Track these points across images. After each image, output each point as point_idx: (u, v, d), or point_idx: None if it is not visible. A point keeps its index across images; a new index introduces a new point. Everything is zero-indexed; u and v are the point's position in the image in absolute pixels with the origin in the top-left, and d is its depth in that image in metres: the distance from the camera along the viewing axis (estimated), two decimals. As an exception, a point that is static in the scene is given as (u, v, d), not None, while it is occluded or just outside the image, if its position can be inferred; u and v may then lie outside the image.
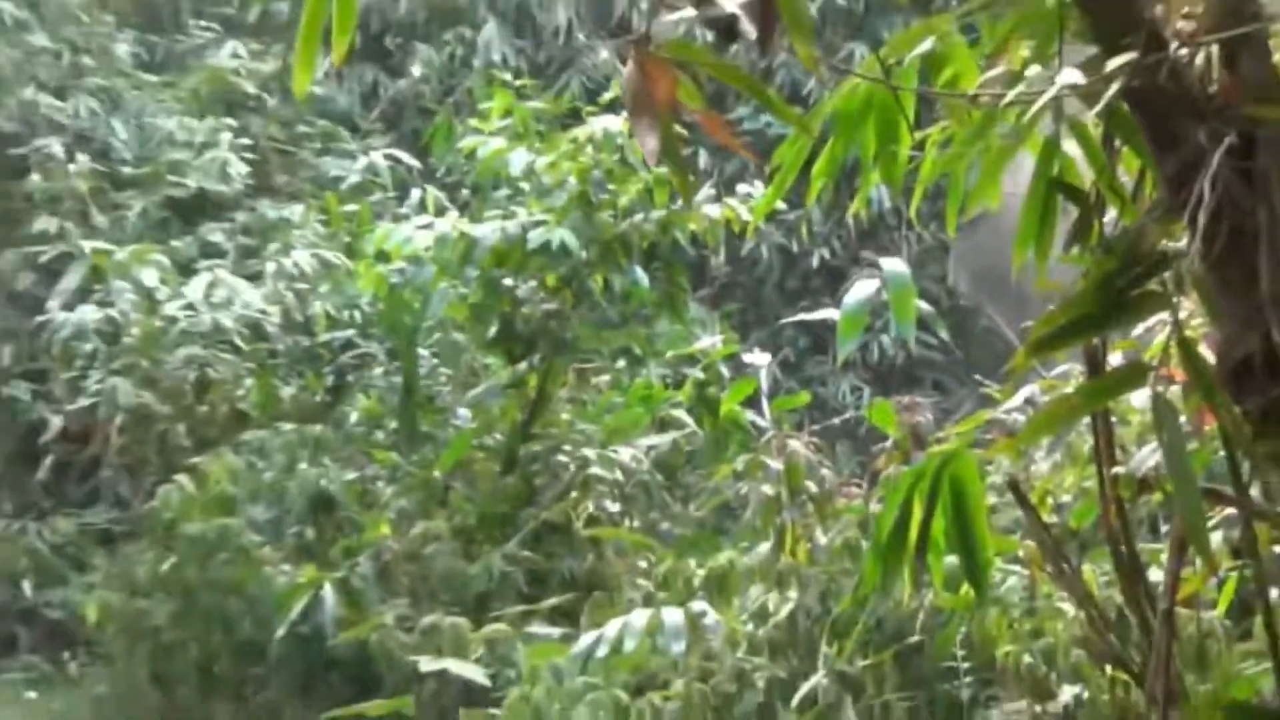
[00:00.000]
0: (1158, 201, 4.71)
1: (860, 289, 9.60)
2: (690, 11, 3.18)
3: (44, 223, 18.21)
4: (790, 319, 15.92)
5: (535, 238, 13.61)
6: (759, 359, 13.31)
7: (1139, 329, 5.21)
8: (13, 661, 16.02)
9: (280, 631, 12.66)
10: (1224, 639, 6.04)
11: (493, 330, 14.13)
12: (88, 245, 17.12)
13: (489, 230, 13.94)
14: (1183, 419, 5.14)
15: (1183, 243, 4.61)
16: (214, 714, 13.21)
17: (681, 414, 13.66)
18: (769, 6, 3.12)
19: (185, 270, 16.55)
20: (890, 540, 5.97)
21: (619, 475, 13.26)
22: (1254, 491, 5.08)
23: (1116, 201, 5.02)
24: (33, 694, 14.91)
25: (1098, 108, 4.64)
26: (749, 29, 3.11)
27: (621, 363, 14.42)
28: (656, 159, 3.78)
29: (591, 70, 23.99)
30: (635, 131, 3.96)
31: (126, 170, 19.83)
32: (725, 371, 13.88)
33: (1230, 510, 5.50)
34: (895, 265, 9.76)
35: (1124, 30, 4.52)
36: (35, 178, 18.78)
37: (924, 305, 10.46)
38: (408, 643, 11.68)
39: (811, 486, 10.12)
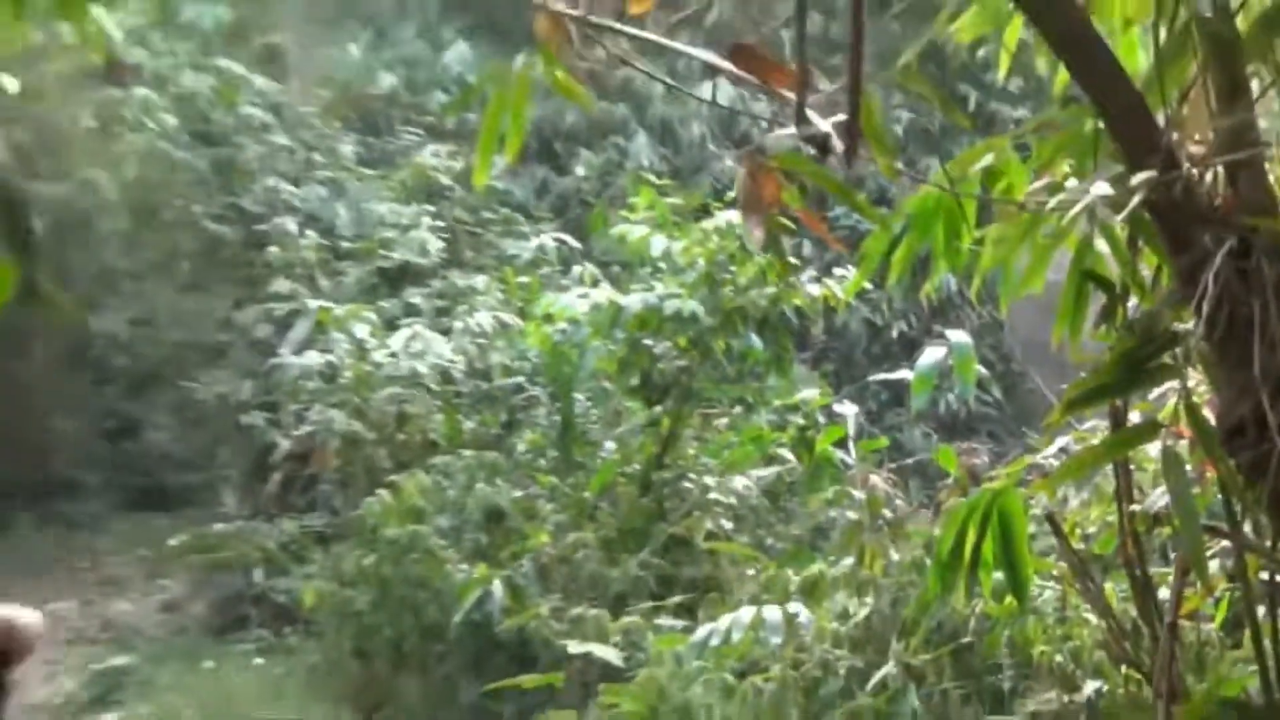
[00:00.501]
0: (1171, 292, 4.68)
1: (930, 355, 9.59)
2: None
3: (279, 285, 18.38)
4: (874, 378, 15.80)
5: (670, 307, 13.62)
6: (848, 409, 13.27)
7: (1154, 394, 5.17)
8: (246, 634, 16.12)
9: (457, 618, 12.70)
10: (1219, 647, 5.98)
11: (634, 380, 14.15)
12: (313, 303, 17.26)
13: (634, 300, 13.97)
14: (1188, 468, 5.11)
15: (1191, 325, 4.58)
16: (402, 683, 13.27)
17: (785, 452, 13.60)
18: (854, 128, 3.11)
19: (390, 326, 16.65)
20: (949, 559, 5.93)
21: (733, 500, 13.24)
22: (1246, 528, 5.03)
23: (1138, 291, 4.99)
24: (260, 660, 15.01)
25: (1124, 214, 4.60)
26: (838, 145, 3.09)
27: (737, 409, 14.39)
28: (763, 246, 3.79)
29: (719, 174, 24.03)
30: (745, 225, 3.96)
31: (346, 244, 19.99)
32: (821, 419, 13.82)
33: (1225, 542, 5.43)
34: (959, 337, 9.74)
35: (1146, 153, 4.50)
36: (274, 249, 18.97)
37: (982, 370, 10.39)
38: (559, 630, 11.68)
39: (887, 513, 10.09)
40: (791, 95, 3.25)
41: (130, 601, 18.73)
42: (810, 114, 3.02)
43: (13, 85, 7.97)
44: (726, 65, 3.63)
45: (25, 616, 6.27)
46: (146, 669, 15.41)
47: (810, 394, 14.22)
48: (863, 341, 22.08)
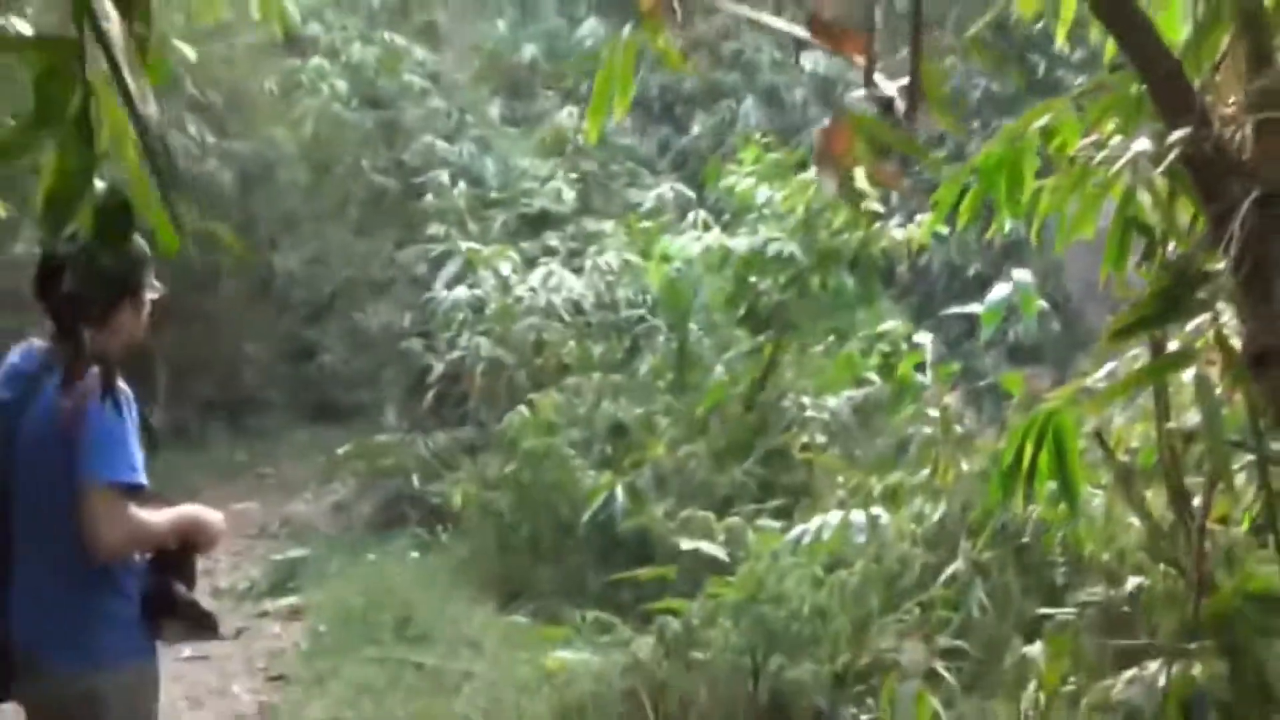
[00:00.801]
0: (1204, 236, 4.64)
1: (998, 291, 9.55)
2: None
3: (434, 229, 18.44)
4: (950, 311, 15.66)
5: (772, 249, 13.64)
6: (926, 338, 13.28)
7: (1189, 326, 5.13)
8: (403, 531, 16.24)
9: (585, 518, 12.78)
10: (1245, 548, 5.94)
11: (740, 313, 14.17)
12: (464, 245, 17.33)
13: (741, 243, 14.01)
14: (1218, 391, 5.08)
15: (1221, 266, 4.56)
16: (537, 573, 13.36)
17: (872, 376, 13.56)
18: (915, 90, 3.08)
19: (529, 264, 16.73)
20: (1010, 469, 5.92)
21: (826, 417, 13.23)
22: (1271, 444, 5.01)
23: (1175, 235, 4.96)
24: (415, 554, 15.14)
25: (1162, 167, 4.59)
26: (900, 105, 3.07)
27: (830, 339, 14.33)
28: (841, 196, 3.80)
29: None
30: (820, 176, 3.97)
31: (493, 194, 20.08)
32: (904, 347, 13.76)
33: (1251, 456, 5.39)
34: (1023, 276, 9.68)
35: (1183, 113, 4.47)
36: (430, 198, 19.05)
37: (1043, 304, 10.30)
38: (672, 529, 11.73)
39: (959, 430, 10.07)
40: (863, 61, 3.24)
41: (305, 502, 18.98)
42: (879, 78, 2.99)
43: (192, 54, 7.97)
44: (810, 36, 3.60)
45: (210, 515, 6.39)
46: (318, 560, 15.61)
47: (894, 325, 14.19)
48: (942, 279, 22.02)
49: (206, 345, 22.80)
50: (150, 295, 6.21)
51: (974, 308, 10.65)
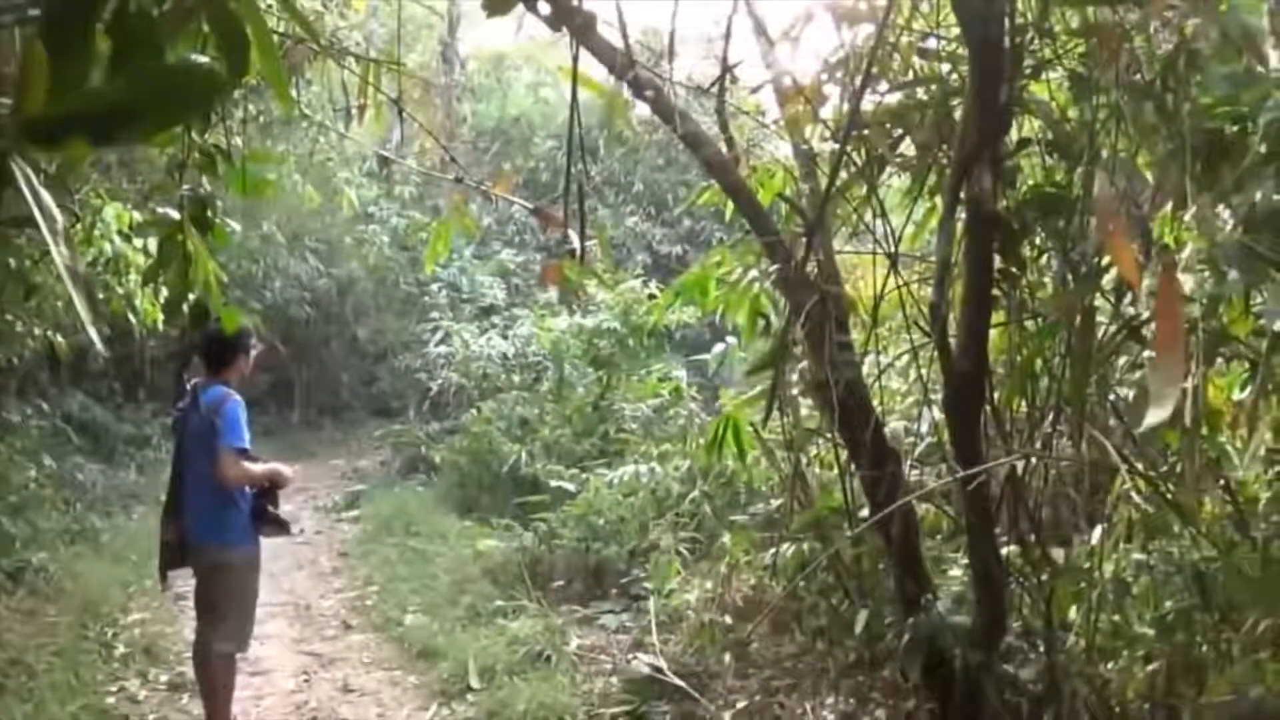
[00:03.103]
0: (790, 320, 4.65)
1: (718, 347, 9.54)
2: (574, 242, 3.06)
3: (433, 315, 18.18)
4: (699, 356, 15.69)
5: (606, 324, 13.59)
6: (683, 373, 13.26)
7: (794, 367, 5.13)
8: (415, 476, 15.90)
9: (505, 469, 12.61)
10: (832, 483, 5.96)
11: (590, 358, 14.07)
12: (445, 323, 17.11)
13: (589, 321, 13.93)
14: (804, 401, 5.07)
15: (801, 334, 4.57)
16: (479, 499, 13.07)
17: (661, 391, 13.43)
18: (583, 252, 3.02)
19: (481, 333, 16.51)
20: (713, 442, 5.91)
21: (636, 414, 13.13)
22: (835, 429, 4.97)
23: (778, 318, 4.96)
24: (420, 489, 14.85)
25: (769, 282, 4.59)
26: (578, 250, 3.02)
27: (642, 371, 14.20)
28: (561, 299, 3.74)
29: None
30: (549, 287, 3.90)
31: (464, 296, 19.89)
32: (677, 376, 13.63)
33: (826, 437, 5.40)
34: (730, 339, 9.67)
35: (780, 255, 4.48)
36: (429, 299, 18.76)
37: (742, 354, 10.25)
38: (549, 475, 11.60)
39: (699, 421, 10.09)
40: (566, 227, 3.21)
41: (365, 459, 18.71)
42: (573, 236, 2.94)
43: (272, 228, 7.76)
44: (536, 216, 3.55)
45: (285, 469, 6.46)
46: (369, 492, 15.30)
47: (671, 365, 14.14)
48: (705, 337, 21.86)
49: (322, 376, 22.92)
50: (254, 351, 6.43)
51: (706, 357, 10.63)
